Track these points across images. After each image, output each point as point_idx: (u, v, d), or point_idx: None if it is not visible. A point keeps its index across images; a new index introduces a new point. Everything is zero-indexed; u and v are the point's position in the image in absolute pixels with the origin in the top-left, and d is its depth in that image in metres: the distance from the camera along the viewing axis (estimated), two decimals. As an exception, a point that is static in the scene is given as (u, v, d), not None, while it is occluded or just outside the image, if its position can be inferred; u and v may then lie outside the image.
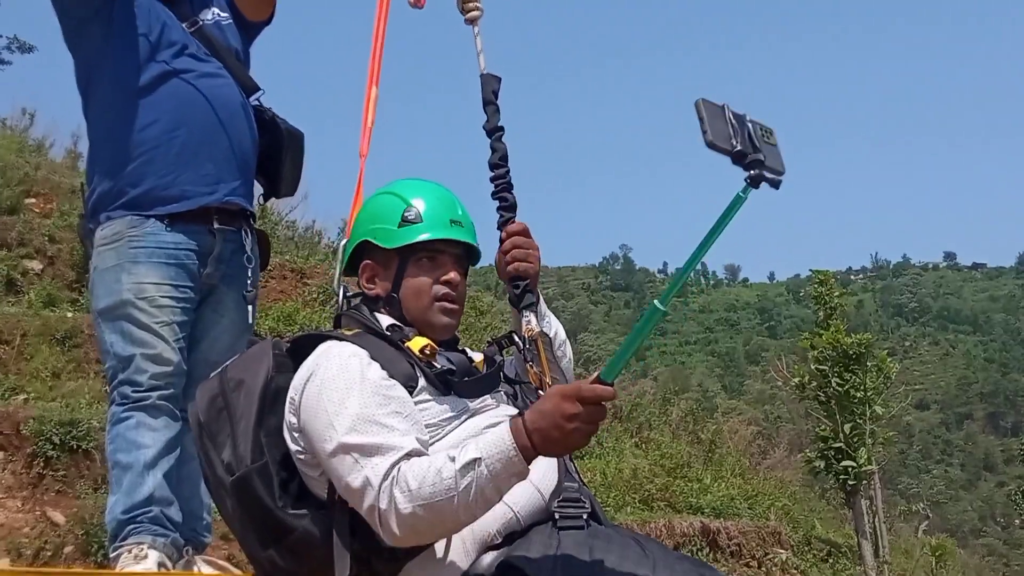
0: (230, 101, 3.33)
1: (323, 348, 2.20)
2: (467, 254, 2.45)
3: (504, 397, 2.35)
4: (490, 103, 2.62)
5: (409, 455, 1.98)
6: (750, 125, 1.77)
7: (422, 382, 2.21)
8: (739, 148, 1.73)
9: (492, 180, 2.58)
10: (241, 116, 3.36)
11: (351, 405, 2.05)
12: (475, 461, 1.88)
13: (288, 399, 2.16)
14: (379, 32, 2.89)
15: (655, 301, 1.81)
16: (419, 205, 2.40)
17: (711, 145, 1.72)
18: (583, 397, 1.84)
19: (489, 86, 2.63)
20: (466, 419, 2.21)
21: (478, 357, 2.44)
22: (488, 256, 2.53)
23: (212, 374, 2.30)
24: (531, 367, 2.40)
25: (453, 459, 1.91)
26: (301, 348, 2.27)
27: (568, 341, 2.63)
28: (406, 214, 2.39)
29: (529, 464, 1.88)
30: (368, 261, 2.44)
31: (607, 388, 1.84)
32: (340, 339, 2.23)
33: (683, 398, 18.07)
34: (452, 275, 2.37)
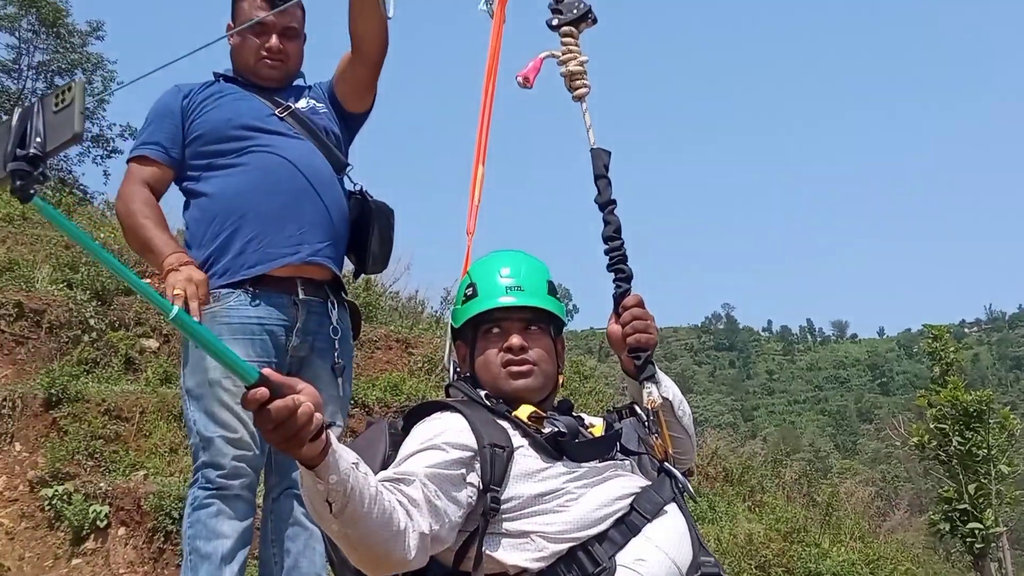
0: (315, 168, 3.39)
1: (428, 419, 2.30)
2: (546, 317, 2.50)
3: (628, 466, 2.35)
4: (602, 177, 2.63)
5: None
6: (34, 115, 1.51)
7: (528, 449, 2.25)
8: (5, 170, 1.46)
9: (607, 253, 2.59)
10: (327, 184, 3.41)
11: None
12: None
13: None
14: (486, 111, 2.95)
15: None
16: (478, 279, 2.50)
17: None
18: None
19: (600, 160, 2.64)
20: (593, 485, 2.23)
21: (597, 422, 2.46)
22: (590, 320, 2.54)
23: None
24: (656, 439, 2.41)
25: None
26: (413, 421, 2.34)
27: (685, 399, 2.64)
28: (466, 291, 2.50)
29: (312, 469, 1.80)
30: (458, 340, 2.55)
31: (247, 393, 1.65)
32: (445, 405, 2.32)
33: (795, 459, 17.67)
34: (512, 340, 2.42)
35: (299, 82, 3.64)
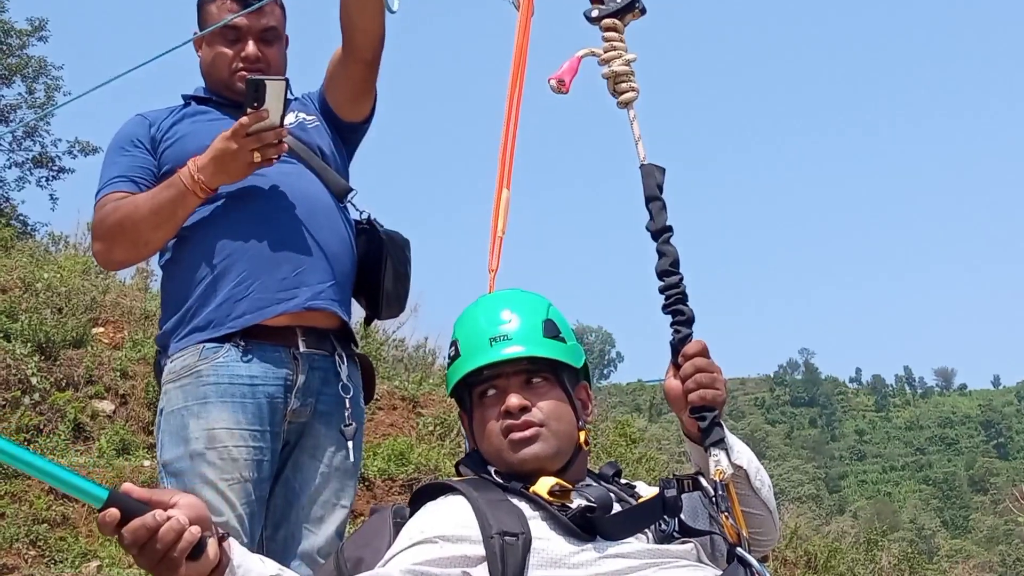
0: (311, 195, 3.43)
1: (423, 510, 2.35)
2: (550, 365, 2.50)
3: (693, 551, 2.33)
4: (654, 199, 2.62)
5: None
6: None
7: (550, 531, 2.25)
8: None
9: (662, 291, 2.59)
10: (327, 214, 3.45)
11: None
12: None
13: None
14: (511, 123, 2.96)
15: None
16: (459, 335, 2.54)
17: None
18: None
19: (652, 179, 2.63)
20: (641, 568, 2.21)
21: (650, 491, 2.46)
22: (637, 370, 2.54)
23: (328, 557, 2.41)
24: (726, 518, 2.39)
25: None
26: (417, 508, 2.37)
27: (762, 467, 2.61)
28: (450, 352, 2.56)
29: None
30: (461, 410, 2.61)
31: (98, 517, 1.77)
32: (448, 487, 2.36)
33: (893, 539, 17.53)
34: (509, 401, 2.43)
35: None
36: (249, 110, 3.14)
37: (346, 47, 3.51)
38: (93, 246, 3.52)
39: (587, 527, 2.25)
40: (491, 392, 2.47)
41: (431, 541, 2.19)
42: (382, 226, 3.61)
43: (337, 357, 3.42)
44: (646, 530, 2.37)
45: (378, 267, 3.56)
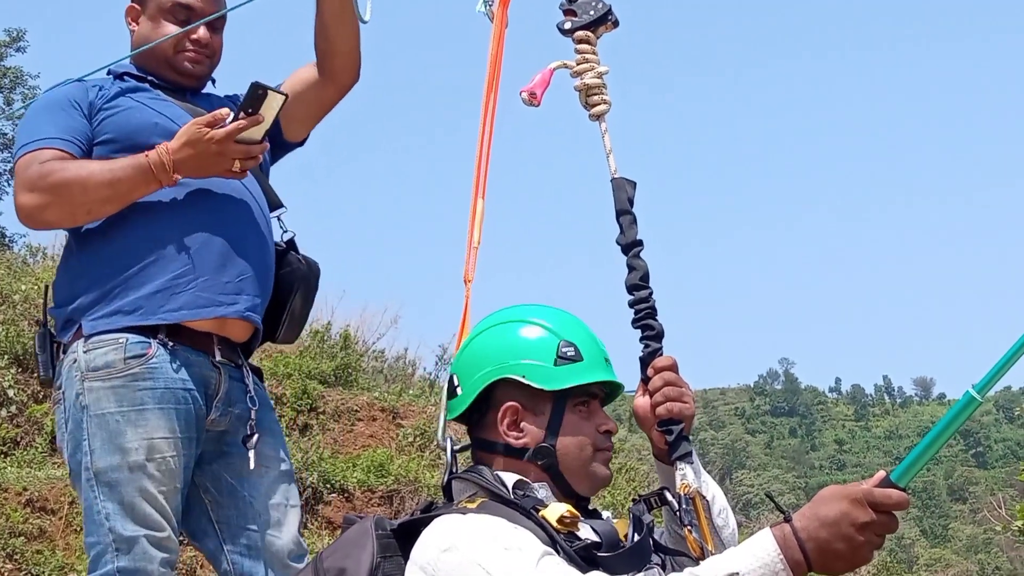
0: (259, 203, 3.41)
1: (454, 520, 2.22)
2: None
3: (659, 572, 2.33)
4: (625, 212, 2.63)
5: None
6: None
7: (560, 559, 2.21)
8: None
9: (632, 305, 2.60)
10: (264, 228, 3.42)
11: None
12: None
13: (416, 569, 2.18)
14: (485, 134, 2.97)
15: (970, 389, 1.82)
16: (576, 340, 2.44)
17: None
18: (877, 503, 1.88)
19: (623, 192, 2.65)
20: None
21: (611, 519, 2.44)
22: (620, 380, 2.55)
23: (303, 566, 2.36)
24: (689, 532, 2.39)
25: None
26: (411, 528, 2.30)
27: (730, 508, 2.60)
28: (564, 350, 2.41)
29: None
30: (512, 403, 2.42)
31: (902, 494, 1.87)
32: (463, 515, 2.24)
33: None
34: (612, 425, 2.42)
35: (209, 88, 3.60)
36: (243, 114, 3.09)
37: (324, 72, 3.50)
38: (20, 198, 3.23)
39: (590, 561, 2.21)
40: (584, 406, 2.43)
41: (549, 554, 2.12)
42: (298, 251, 3.57)
43: (245, 369, 3.40)
44: None
45: (289, 290, 3.50)
